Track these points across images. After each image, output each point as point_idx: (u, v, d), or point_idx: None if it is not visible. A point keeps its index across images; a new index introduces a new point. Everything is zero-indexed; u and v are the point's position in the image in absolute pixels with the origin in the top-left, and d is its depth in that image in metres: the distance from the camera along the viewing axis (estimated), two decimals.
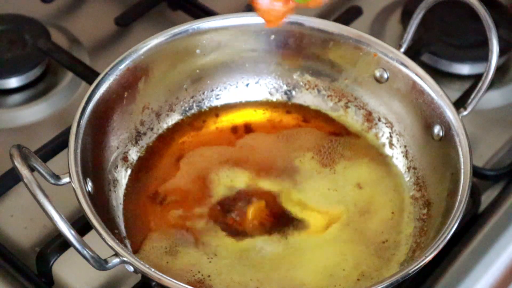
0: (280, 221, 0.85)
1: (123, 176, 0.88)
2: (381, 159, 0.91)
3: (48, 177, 0.77)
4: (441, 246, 0.76)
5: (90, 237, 0.78)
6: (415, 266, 0.75)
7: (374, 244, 0.84)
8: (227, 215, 0.85)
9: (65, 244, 0.81)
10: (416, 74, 0.89)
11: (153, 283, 0.75)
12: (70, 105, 1.01)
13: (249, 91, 0.96)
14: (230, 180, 0.88)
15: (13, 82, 1.01)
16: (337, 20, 1.04)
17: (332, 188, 0.89)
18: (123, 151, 0.89)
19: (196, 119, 0.94)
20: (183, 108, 0.94)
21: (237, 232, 0.84)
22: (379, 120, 0.93)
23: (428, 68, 1.03)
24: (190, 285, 0.72)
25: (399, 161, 0.91)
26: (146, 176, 0.89)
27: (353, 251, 0.83)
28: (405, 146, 0.91)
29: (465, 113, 0.87)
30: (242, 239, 0.83)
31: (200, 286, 0.80)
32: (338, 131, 0.94)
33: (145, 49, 0.89)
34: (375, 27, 1.11)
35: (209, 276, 0.81)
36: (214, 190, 0.88)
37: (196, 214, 0.86)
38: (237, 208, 0.86)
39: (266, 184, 0.88)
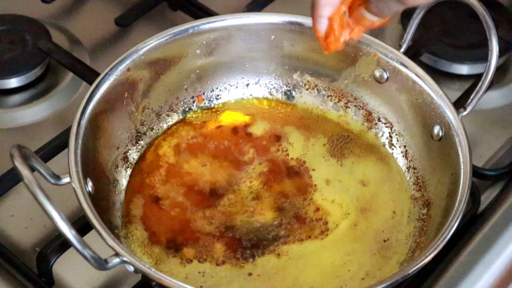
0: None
1: (123, 176, 0.88)
2: (382, 159, 0.92)
3: (48, 177, 0.77)
4: (441, 246, 0.76)
5: (90, 237, 0.78)
6: (415, 266, 0.75)
7: (376, 243, 0.84)
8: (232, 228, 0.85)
9: (65, 244, 0.81)
10: (416, 74, 0.89)
11: (153, 283, 0.75)
12: (70, 105, 1.01)
13: (249, 91, 0.96)
14: (235, 180, 0.89)
15: (13, 82, 1.01)
16: None
17: (337, 179, 0.89)
18: (123, 151, 0.89)
19: (196, 119, 0.94)
20: (183, 108, 0.94)
21: (241, 255, 0.83)
22: (379, 120, 0.93)
23: (428, 68, 1.03)
24: None
25: (399, 161, 0.91)
26: (146, 176, 0.89)
27: (356, 251, 0.83)
28: (404, 146, 0.91)
29: (464, 113, 0.87)
30: (244, 263, 0.83)
31: None
32: (339, 131, 0.94)
33: (145, 49, 0.89)
34: None
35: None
36: (216, 191, 0.88)
37: (195, 219, 0.86)
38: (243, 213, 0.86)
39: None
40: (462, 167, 0.82)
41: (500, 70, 1.06)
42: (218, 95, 0.95)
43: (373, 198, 0.88)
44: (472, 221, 0.90)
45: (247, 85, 0.96)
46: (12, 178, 0.88)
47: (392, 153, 0.92)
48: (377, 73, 0.92)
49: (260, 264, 0.82)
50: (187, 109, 0.94)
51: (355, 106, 0.94)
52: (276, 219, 0.85)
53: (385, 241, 0.84)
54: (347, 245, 0.84)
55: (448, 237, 0.76)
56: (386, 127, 0.93)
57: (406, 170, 0.90)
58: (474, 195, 0.91)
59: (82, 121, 0.82)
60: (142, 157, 0.90)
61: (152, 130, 0.92)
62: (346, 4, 0.76)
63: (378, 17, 0.75)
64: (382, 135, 0.93)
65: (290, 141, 0.92)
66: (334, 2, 0.75)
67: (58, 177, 0.77)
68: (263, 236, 0.84)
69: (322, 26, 0.77)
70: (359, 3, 0.75)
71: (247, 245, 0.83)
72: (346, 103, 0.95)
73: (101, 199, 0.82)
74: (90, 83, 0.86)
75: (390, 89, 0.92)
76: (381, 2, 0.72)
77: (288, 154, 0.91)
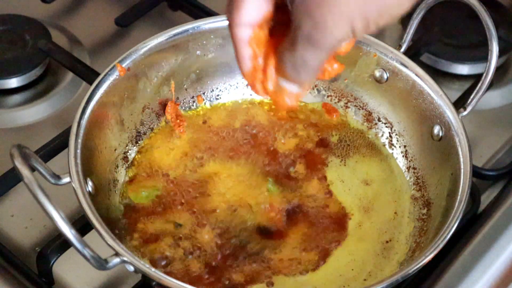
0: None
1: (123, 176, 0.88)
2: (382, 159, 0.92)
3: (48, 177, 0.77)
4: (441, 246, 0.76)
5: (90, 237, 0.79)
6: (415, 266, 0.75)
7: (378, 243, 0.84)
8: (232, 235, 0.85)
9: (66, 244, 0.81)
10: (416, 74, 0.89)
11: (153, 283, 0.75)
12: (70, 105, 1.01)
13: (249, 91, 0.96)
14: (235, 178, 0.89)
15: (13, 82, 1.01)
16: None
17: (339, 179, 0.89)
18: (123, 151, 0.89)
19: (197, 119, 0.94)
20: (183, 108, 0.94)
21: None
22: (378, 120, 0.93)
23: (428, 68, 1.03)
24: None
25: (399, 161, 0.91)
26: (147, 176, 0.88)
27: (360, 250, 0.84)
28: (404, 146, 0.91)
29: (464, 113, 0.87)
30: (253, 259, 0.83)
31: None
32: (340, 131, 0.94)
33: (145, 49, 0.89)
34: None
35: None
36: (217, 194, 0.88)
37: (196, 219, 0.86)
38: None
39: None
40: (462, 167, 0.82)
41: (500, 70, 1.06)
42: (218, 95, 0.95)
43: (375, 197, 0.88)
44: (472, 221, 0.90)
45: (247, 85, 0.96)
46: (12, 178, 0.88)
47: (392, 153, 0.92)
48: (377, 73, 0.92)
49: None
50: (187, 109, 0.94)
51: (355, 106, 0.94)
52: (281, 218, 0.85)
53: (387, 241, 0.84)
54: (351, 244, 0.84)
55: (448, 237, 0.76)
56: (386, 127, 0.93)
57: (406, 170, 0.90)
58: (474, 195, 0.91)
59: (82, 121, 0.82)
60: (142, 157, 0.90)
61: (152, 130, 0.92)
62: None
63: (295, 83, 0.67)
64: (382, 135, 0.93)
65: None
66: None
67: (58, 177, 0.77)
68: (268, 233, 0.84)
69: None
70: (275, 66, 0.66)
71: (251, 246, 0.83)
72: (346, 103, 0.95)
73: (101, 199, 0.82)
74: (90, 83, 0.86)
75: (390, 89, 0.92)
76: (297, 56, 0.61)
77: (290, 155, 0.91)
